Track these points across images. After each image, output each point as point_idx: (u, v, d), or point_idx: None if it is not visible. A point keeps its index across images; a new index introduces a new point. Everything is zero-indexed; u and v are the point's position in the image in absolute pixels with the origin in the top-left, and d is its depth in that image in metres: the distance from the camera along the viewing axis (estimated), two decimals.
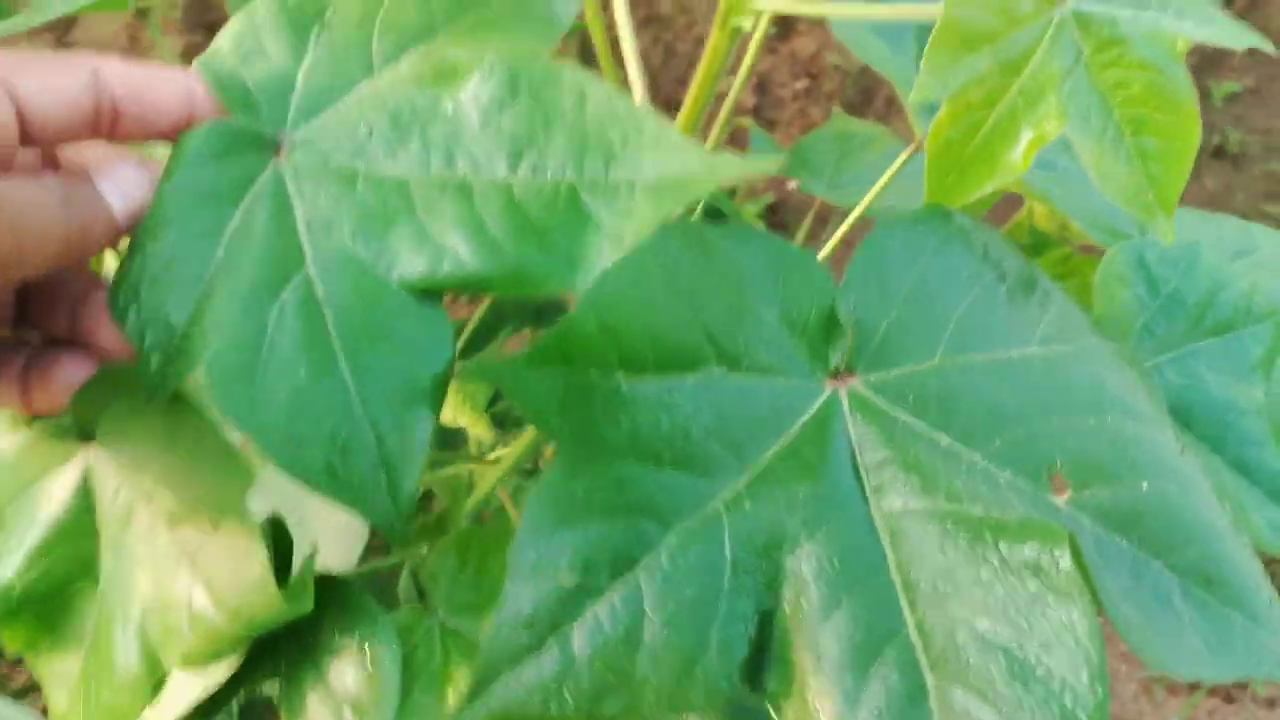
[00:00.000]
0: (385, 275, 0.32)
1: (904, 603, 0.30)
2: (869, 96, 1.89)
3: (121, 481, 0.41)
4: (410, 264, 0.32)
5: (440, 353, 0.32)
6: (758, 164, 0.29)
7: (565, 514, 0.30)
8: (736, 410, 0.32)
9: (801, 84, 1.91)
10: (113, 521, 0.41)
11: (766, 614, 0.31)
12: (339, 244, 0.33)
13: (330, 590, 0.34)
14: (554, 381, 0.29)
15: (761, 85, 1.96)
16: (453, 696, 0.32)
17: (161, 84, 0.34)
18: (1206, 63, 1.87)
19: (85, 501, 0.41)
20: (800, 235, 0.86)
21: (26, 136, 0.32)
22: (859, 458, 0.32)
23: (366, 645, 0.32)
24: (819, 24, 2.05)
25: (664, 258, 0.31)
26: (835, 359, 0.33)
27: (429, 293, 0.32)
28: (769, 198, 1.79)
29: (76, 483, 0.42)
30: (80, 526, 0.41)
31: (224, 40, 0.36)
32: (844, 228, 0.62)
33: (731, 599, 0.31)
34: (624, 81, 0.44)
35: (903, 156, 0.59)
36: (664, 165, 0.30)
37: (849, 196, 0.82)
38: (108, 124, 0.34)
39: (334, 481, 0.31)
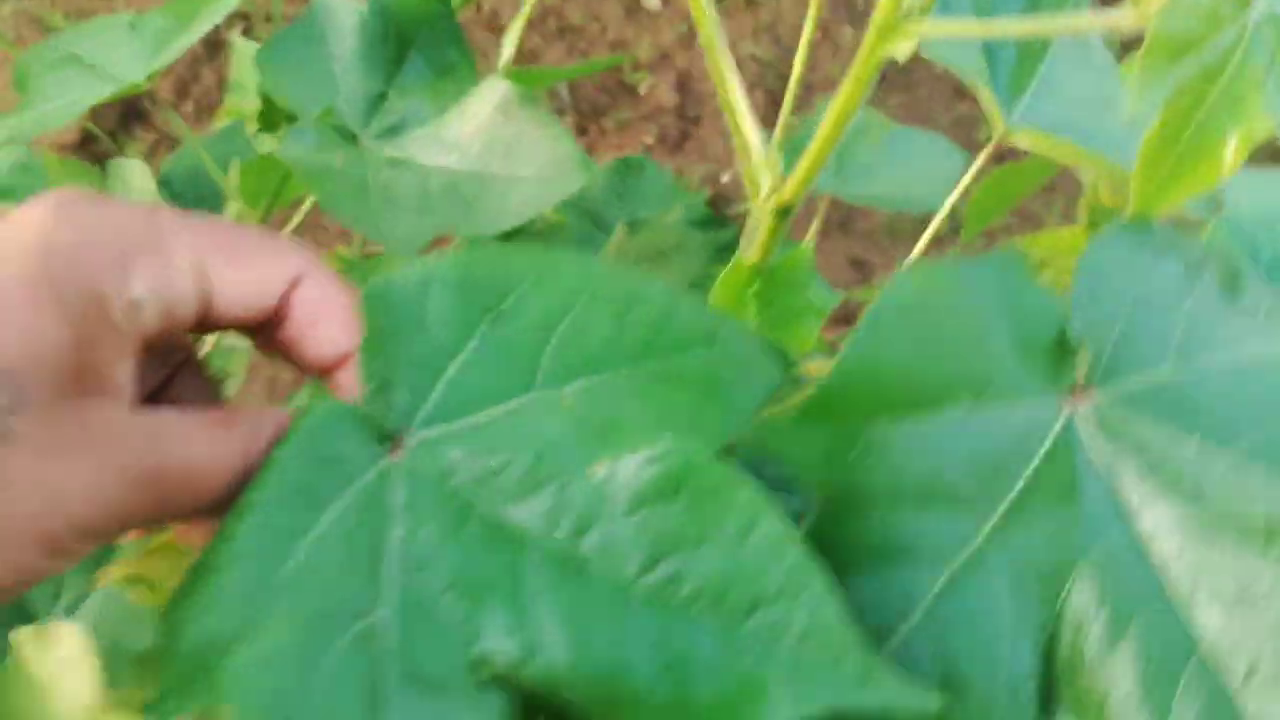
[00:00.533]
0: (462, 649, 0.27)
1: (1190, 622, 0.30)
2: (787, 83, 1.91)
3: None
4: (498, 646, 0.27)
5: None
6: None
7: (835, 565, 0.30)
8: (984, 442, 0.31)
9: None
10: None
11: (1048, 648, 0.31)
12: (429, 591, 0.28)
13: None
14: (820, 436, 0.29)
15: (681, 83, 1.98)
16: None
17: (345, 313, 0.31)
18: None
19: None
20: (811, 232, 0.84)
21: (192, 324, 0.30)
22: (1110, 475, 0.32)
23: None
24: (733, 17, 2.07)
25: (908, 298, 0.30)
26: (1070, 378, 0.33)
27: (499, 684, 0.27)
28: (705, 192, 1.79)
29: None
30: None
31: (390, 290, 0.32)
32: (929, 231, 0.62)
33: (1012, 634, 0.31)
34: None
35: (984, 153, 0.59)
36: (811, 650, 0.27)
37: (859, 188, 0.79)
38: (270, 328, 0.31)
39: None
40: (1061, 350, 0.33)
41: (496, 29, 1.93)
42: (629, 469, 0.29)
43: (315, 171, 0.49)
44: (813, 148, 0.42)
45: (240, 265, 0.30)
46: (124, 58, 0.57)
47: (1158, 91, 0.31)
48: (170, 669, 0.27)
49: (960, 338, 0.31)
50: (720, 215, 0.84)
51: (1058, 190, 1.81)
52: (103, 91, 0.55)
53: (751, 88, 1.87)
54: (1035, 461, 0.32)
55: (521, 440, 0.30)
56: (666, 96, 1.97)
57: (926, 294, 0.31)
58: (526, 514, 0.29)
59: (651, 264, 0.74)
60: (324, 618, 0.27)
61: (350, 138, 0.53)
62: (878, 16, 0.36)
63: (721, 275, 0.48)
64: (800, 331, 0.48)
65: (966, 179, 0.59)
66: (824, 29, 2.13)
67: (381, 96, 0.55)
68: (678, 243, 0.76)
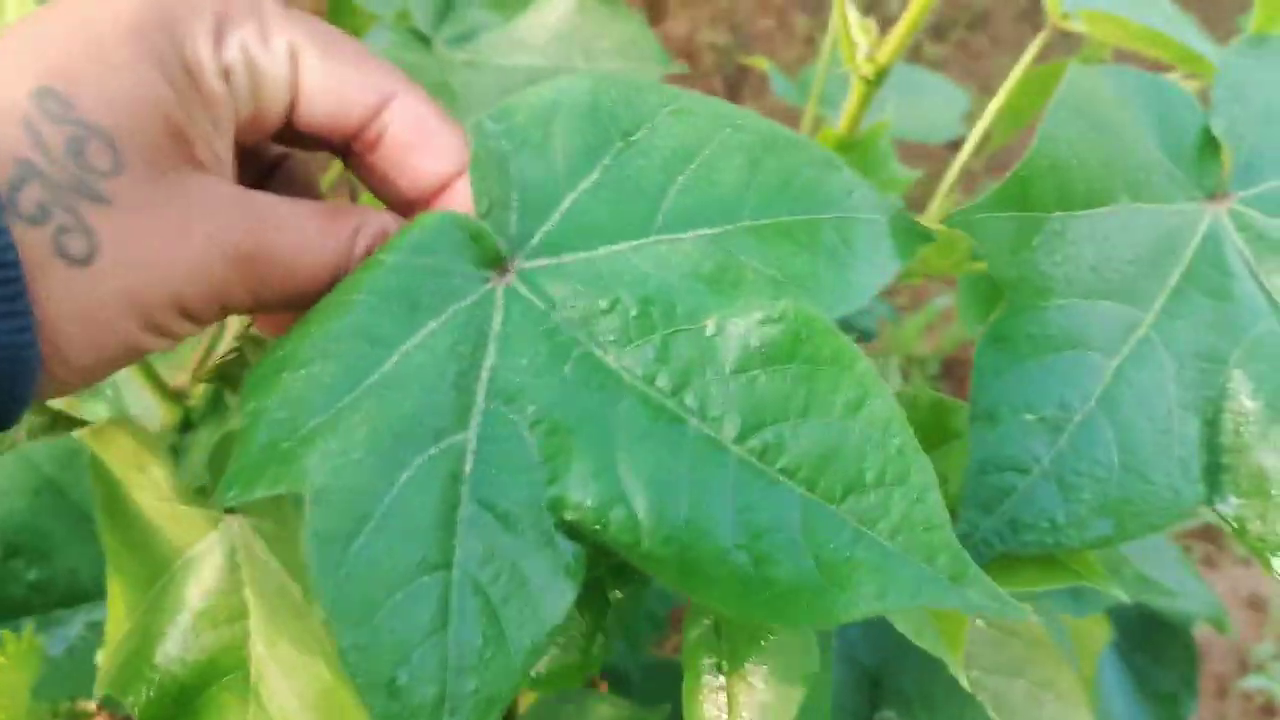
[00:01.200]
0: (540, 489, 0.26)
1: None
2: (745, 72, 1.94)
3: (269, 556, 0.37)
4: (577, 492, 0.26)
5: (550, 614, 0.26)
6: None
7: (1016, 354, 0.31)
8: (1143, 238, 0.33)
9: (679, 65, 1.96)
10: (263, 599, 0.37)
11: (1212, 425, 0.32)
12: (514, 424, 0.27)
13: None
14: (1007, 224, 0.31)
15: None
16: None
17: (442, 138, 0.30)
18: None
19: (234, 578, 0.37)
20: None
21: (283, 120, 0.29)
22: (1257, 269, 0.34)
23: None
24: (691, 5, 2.10)
25: (1080, 98, 0.32)
26: (1213, 180, 0.34)
27: (571, 530, 0.26)
28: None
29: (223, 559, 0.37)
30: (230, 607, 0.37)
31: (516, 109, 0.30)
32: (969, 146, 0.63)
33: (1180, 414, 0.32)
34: None
35: (1039, 39, 0.60)
36: (904, 543, 0.26)
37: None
38: (363, 148, 0.30)
39: (385, 700, 0.25)
40: (1204, 154, 0.34)
41: None
42: (742, 327, 0.27)
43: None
44: (910, 13, 0.44)
45: (335, 61, 0.29)
46: None
47: None
48: (245, 454, 0.26)
49: (1120, 140, 0.33)
50: None
51: None
52: None
53: (708, 75, 1.90)
54: (1189, 255, 0.33)
55: (633, 283, 0.28)
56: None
57: (1093, 95, 0.32)
58: (629, 360, 0.27)
59: None
60: (406, 430, 0.26)
61: (425, 41, 0.53)
62: None
63: None
64: None
65: (1015, 73, 0.60)
66: (779, 17, 2.16)
67: (449, 4, 0.55)
68: None
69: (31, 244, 0.24)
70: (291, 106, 0.29)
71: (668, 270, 0.28)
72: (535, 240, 0.29)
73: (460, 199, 0.30)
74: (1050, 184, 0.31)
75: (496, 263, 0.29)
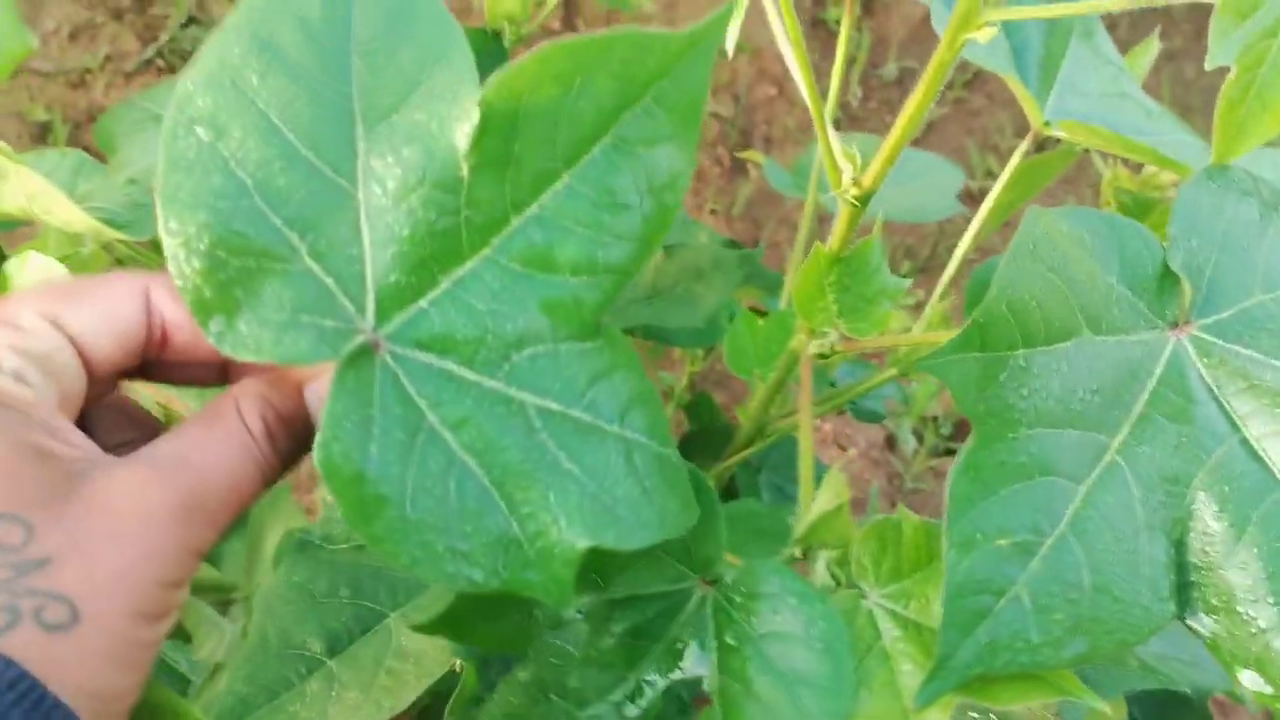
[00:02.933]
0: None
1: None
2: (748, 138, 1.98)
3: None
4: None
5: None
6: None
7: (988, 483, 0.33)
8: (1106, 367, 0.35)
9: None
10: None
11: (1180, 545, 0.34)
12: None
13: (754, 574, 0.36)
14: (973, 364, 0.33)
15: None
16: (905, 670, 0.34)
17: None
18: None
19: None
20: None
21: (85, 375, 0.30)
22: (1219, 392, 0.35)
23: (813, 627, 0.34)
24: None
25: (1037, 240, 0.34)
26: (1174, 309, 0.36)
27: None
28: None
29: None
30: None
31: None
32: (972, 229, 0.65)
33: (1148, 535, 0.34)
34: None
35: (1023, 145, 0.63)
36: None
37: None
38: (156, 350, 0.31)
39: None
40: (1164, 284, 0.36)
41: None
42: None
43: None
44: (892, 137, 0.46)
45: (85, 297, 0.30)
46: None
47: (1228, 47, 0.35)
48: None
49: (1079, 276, 0.35)
50: (736, 241, 0.89)
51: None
52: None
53: (714, 144, 1.94)
54: (1151, 384, 0.35)
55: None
56: None
57: (1050, 237, 0.34)
58: None
59: (693, 281, 0.78)
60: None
61: None
62: (959, 6, 0.41)
63: (803, 266, 0.51)
64: (876, 314, 0.52)
65: (1005, 174, 0.63)
66: (779, 86, 2.21)
67: None
68: (714, 261, 0.79)
69: (24, 646, 0.25)
70: (86, 355, 0.30)
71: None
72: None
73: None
74: (1010, 325, 0.33)
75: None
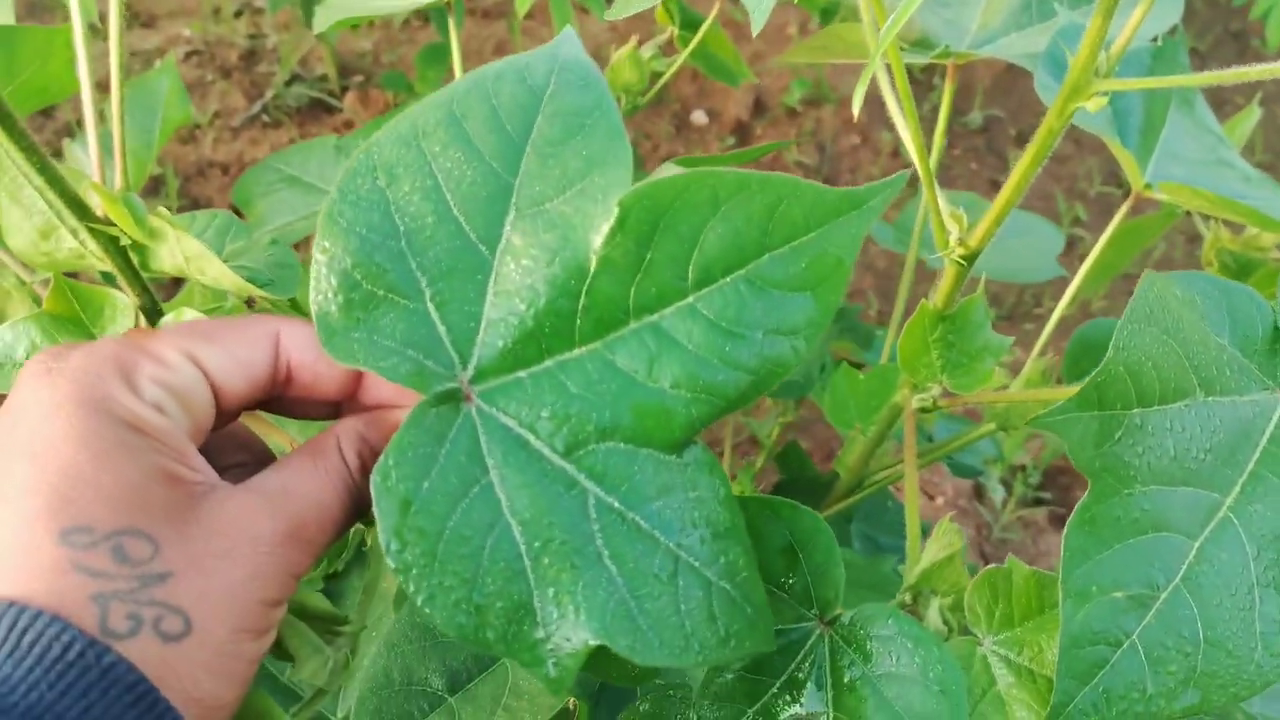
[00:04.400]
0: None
1: None
2: (832, 186, 1.98)
3: None
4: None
5: None
6: None
7: (1103, 538, 0.35)
8: (1219, 427, 0.36)
9: None
10: None
11: None
12: None
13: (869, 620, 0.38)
14: (1090, 422, 0.34)
15: None
16: (1019, 716, 0.36)
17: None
18: None
19: None
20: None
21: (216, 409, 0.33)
22: None
23: (930, 670, 0.36)
24: (778, 126, 2.17)
25: (1152, 304, 0.36)
26: None
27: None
28: None
29: None
30: None
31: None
32: (1070, 290, 0.66)
33: (1261, 590, 0.35)
34: None
35: (1123, 208, 0.64)
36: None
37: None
38: (280, 388, 0.34)
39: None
40: (1275, 346, 0.38)
41: None
42: None
43: None
44: (1000, 200, 0.48)
45: (222, 337, 0.33)
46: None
47: None
48: None
49: (1192, 339, 0.36)
50: None
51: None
52: None
53: None
54: (1263, 441, 0.36)
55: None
56: None
57: (1164, 301, 0.36)
58: None
59: None
60: None
61: None
62: (1070, 77, 0.43)
63: (908, 322, 0.53)
64: (979, 370, 0.54)
65: (1106, 235, 0.64)
66: (863, 135, 2.23)
67: None
68: None
69: (141, 653, 0.27)
70: (216, 390, 0.33)
71: None
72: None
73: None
74: (1127, 385, 0.35)
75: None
